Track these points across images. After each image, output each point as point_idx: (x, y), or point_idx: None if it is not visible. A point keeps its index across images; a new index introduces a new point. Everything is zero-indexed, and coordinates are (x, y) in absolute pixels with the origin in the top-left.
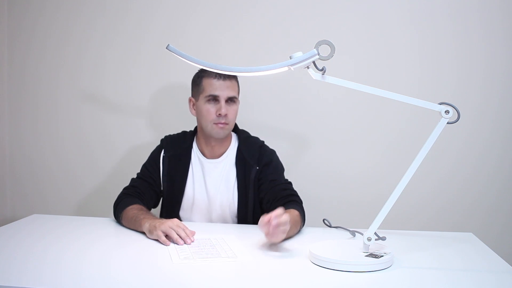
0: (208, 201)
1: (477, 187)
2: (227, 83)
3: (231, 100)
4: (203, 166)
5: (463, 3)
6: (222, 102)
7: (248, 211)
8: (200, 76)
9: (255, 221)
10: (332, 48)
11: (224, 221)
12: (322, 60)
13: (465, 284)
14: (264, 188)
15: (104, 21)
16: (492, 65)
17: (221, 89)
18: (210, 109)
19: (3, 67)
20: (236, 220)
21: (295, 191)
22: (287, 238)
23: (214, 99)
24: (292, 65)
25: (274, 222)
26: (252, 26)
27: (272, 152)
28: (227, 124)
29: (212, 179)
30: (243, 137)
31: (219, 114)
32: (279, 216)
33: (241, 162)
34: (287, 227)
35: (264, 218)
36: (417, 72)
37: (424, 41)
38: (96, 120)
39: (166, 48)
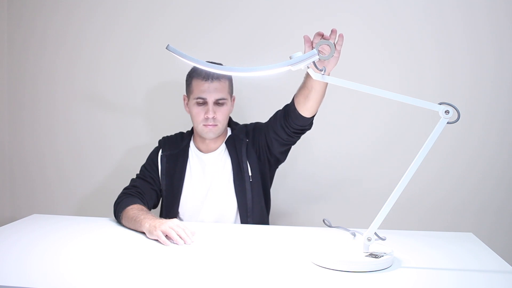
0: (206, 194)
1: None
2: (215, 84)
3: (219, 101)
4: (201, 160)
5: (463, 2)
6: (210, 105)
7: (247, 201)
8: (191, 76)
9: (255, 216)
10: (332, 48)
11: (223, 216)
12: (322, 60)
13: (466, 284)
14: (268, 129)
15: (102, 21)
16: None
17: (209, 92)
18: (199, 112)
19: (2, 67)
20: (236, 215)
21: None
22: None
23: (203, 101)
24: (292, 65)
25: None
26: (252, 26)
27: (255, 122)
28: (216, 125)
29: (210, 170)
30: (235, 127)
31: (207, 117)
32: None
33: (232, 145)
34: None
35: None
36: (417, 72)
37: (423, 41)
38: (95, 120)
39: (166, 48)
